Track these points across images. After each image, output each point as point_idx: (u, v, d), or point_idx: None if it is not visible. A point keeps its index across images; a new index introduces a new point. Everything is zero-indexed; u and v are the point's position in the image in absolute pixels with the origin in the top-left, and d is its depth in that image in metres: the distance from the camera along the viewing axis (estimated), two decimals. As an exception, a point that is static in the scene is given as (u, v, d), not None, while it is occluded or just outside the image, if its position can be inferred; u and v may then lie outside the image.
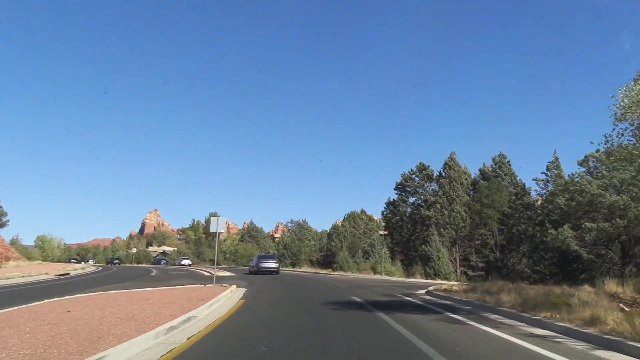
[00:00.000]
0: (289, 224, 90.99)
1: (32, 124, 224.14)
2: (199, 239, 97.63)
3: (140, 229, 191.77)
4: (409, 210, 46.64)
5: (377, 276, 34.24)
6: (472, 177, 44.15)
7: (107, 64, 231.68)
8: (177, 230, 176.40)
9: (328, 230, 68.62)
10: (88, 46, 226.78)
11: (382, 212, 48.68)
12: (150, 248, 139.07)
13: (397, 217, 46.06)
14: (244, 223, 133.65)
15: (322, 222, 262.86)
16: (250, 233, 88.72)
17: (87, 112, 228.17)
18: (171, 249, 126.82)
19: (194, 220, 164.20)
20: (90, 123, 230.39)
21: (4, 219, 67.09)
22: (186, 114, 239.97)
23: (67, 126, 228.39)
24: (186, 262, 72.62)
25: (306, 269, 47.54)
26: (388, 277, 33.07)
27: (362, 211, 75.65)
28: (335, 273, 38.62)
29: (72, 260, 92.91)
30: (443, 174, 42.85)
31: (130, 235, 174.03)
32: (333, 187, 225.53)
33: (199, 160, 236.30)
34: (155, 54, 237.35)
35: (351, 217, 73.44)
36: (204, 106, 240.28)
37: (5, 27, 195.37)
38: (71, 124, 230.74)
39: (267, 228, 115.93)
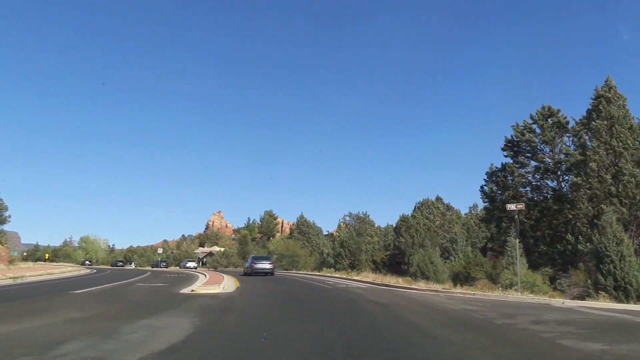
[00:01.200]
0: (347, 218, 74.94)
1: (97, 126, 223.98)
2: (244, 238, 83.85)
3: (204, 231, 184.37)
4: (530, 179, 28.86)
5: (510, 295, 17.03)
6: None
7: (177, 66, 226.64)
8: (233, 230, 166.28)
9: (394, 225, 51.73)
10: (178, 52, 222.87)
11: (482, 187, 31.16)
12: (200, 249, 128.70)
13: (508, 193, 28.58)
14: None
15: (386, 217, 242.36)
16: (300, 229, 73.52)
17: (157, 115, 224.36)
18: (221, 249, 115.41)
19: (249, 219, 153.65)
20: (160, 126, 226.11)
21: (4, 214, 56.35)
22: (250, 115, 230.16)
23: (135, 129, 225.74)
24: (191, 264, 66.21)
25: (369, 277, 30.72)
26: (536, 298, 16.01)
27: (438, 198, 58.06)
28: (420, 287, 21.40)
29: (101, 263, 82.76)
30: (593, 114, 24.88)
31: (182, 236, 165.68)
32: (398, 178, 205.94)
33: (260, 160, 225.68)
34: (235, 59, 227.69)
35: (424, 206, 56.09)
36: (268, 107, 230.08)
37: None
38: (138, 128, 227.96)
39: (330, 227, 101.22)
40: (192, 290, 17.55)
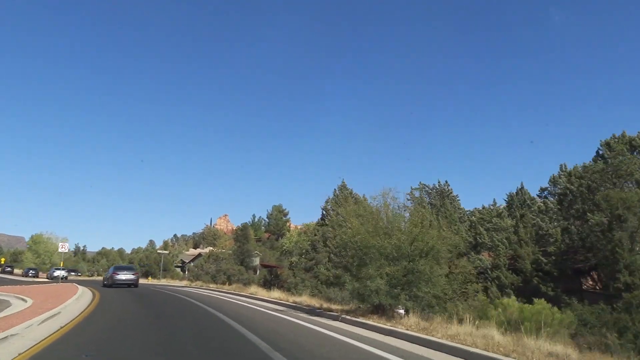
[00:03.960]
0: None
1: (95, 132, 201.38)
2: (244, 232, 55.26)
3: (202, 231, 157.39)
4: None
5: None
6: None
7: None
8: (236, 228, 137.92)
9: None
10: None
11: None
12: (190, 251, 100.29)
13: None
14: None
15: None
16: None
17: (154, 121, 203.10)
18: (218, 250, 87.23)
19: (254, 216, 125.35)
20: (158, 132, 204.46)
21: None
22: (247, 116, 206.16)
23: (132, 135, 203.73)
24: (60, 273, 45.25)
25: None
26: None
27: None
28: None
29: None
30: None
31: (174, 236, 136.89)
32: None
33: (264, 161, 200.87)
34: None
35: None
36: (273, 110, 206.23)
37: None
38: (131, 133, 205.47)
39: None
40: None
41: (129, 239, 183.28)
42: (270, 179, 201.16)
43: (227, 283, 44.23)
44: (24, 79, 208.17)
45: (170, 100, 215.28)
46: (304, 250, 35.85)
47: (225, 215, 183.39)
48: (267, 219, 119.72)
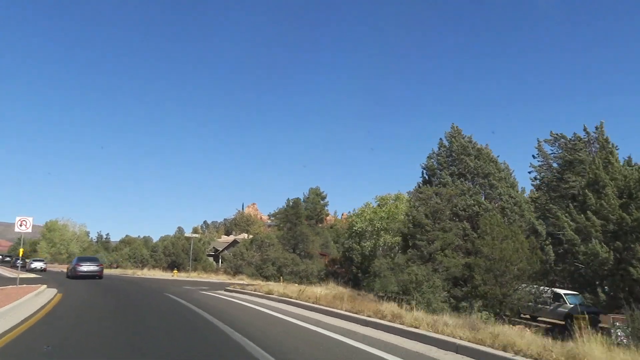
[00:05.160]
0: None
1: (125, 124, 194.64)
2: (295, 209, 42.76)
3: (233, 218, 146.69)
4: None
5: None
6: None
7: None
8: (269, 215, 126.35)
9: None
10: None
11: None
12: (223, 238, 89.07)
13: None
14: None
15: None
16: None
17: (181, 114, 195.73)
18: (263, 234, 75.53)
19: (289, 200, 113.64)
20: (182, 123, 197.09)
21: None
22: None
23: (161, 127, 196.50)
24: (37, 264, 48.82)
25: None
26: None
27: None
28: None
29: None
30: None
31: (204, 223, 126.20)
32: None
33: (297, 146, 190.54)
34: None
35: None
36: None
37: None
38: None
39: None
40: None
41: (156, 226, 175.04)
42: (301, 163, 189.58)
43: (279, 278, 31.94)
44: (47, 64, 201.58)
45: (196, 86, 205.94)
46: (408, 226, 22.83)
47: (254, 204, 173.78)
48: (304, 202, 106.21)
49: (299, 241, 38.63)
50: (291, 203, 46.91)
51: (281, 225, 48.10)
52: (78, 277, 29.45)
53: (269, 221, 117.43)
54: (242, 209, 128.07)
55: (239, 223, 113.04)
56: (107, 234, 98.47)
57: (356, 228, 34.30)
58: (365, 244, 33.95)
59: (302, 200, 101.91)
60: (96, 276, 30.71)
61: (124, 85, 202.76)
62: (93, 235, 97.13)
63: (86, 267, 30.82)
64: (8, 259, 63.53)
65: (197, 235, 44.87)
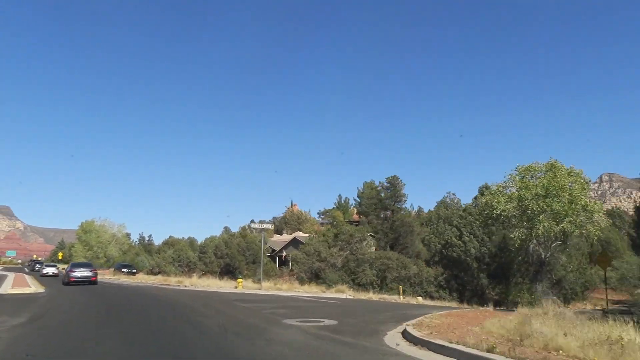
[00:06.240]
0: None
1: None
2: (394, 194, 31.80)
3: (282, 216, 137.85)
4: None
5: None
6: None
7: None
8: (319, 213, 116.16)
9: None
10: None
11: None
12: (275, 238, 79.36)
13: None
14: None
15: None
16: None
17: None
18: (306, 235, 65.50)
19: (340, 197, 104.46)
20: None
21: None
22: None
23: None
24: (50, 270, 48.59)
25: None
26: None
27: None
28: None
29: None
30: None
31: (251, 222, 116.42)
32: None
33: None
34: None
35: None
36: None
37: None
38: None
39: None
40: None
41: (199, 229, 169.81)
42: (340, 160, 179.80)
43: (397, 289, 21.31)
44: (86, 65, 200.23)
45: (238, 89, 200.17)
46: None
47: (295, 205, 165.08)
48: (357, 199, 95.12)
49: (400, 234, 27.97)
50: (389, 180, 35.88)
51: (371, 213, 37.46)
52: (71, 284, 29.48)
53: (321, 218, 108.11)
54: (291, 205, 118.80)
55: (289, 221, 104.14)
56: (150, 236, 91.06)
57: (499, 211, 23.25)
58: (513, 235, 22.94)
59: (356, 195, 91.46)
60: (90, 282, 30.80)
61: (161, 89, 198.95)
62: (134, 237, 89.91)
63: (79, 273, 30.86)
64: (38, 266, 58.62)
65: (263, 227, 34.41)
